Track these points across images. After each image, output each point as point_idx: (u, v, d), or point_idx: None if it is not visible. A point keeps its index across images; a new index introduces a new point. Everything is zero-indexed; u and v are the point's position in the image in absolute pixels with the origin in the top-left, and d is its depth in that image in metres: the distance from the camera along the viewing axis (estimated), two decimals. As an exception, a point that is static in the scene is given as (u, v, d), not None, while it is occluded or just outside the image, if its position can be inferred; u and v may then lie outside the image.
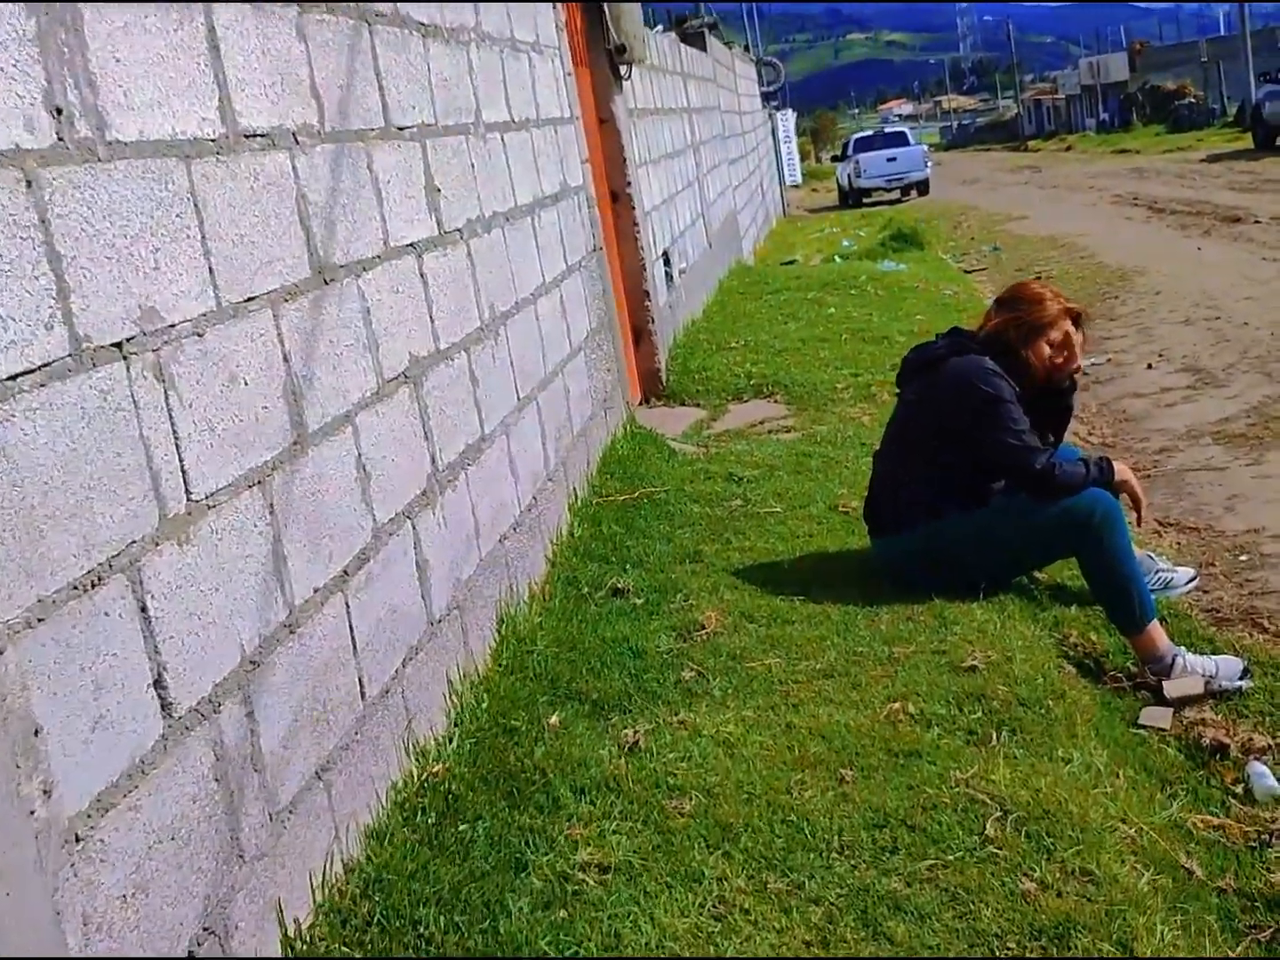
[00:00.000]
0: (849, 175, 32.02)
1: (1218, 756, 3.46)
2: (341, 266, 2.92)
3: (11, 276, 1.79)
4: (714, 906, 2.54)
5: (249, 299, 2.46)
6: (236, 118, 2.51)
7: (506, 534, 3.92)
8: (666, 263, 8.41)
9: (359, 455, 2.87)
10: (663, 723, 3.40)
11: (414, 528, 3.14)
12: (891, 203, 29.66)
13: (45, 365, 1.83)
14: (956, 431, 4.09)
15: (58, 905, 1.71)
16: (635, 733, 3.34)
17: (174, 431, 2.14)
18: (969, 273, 14.19)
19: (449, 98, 3.97)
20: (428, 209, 3.61)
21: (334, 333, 2.82)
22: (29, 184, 1.85)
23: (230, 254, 2.41)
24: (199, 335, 2.26)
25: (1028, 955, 2.36)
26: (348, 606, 2.70)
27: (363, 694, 2.74)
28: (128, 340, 2.05)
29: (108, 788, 1.85)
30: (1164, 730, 3.62)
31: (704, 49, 14.12)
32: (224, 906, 2.11)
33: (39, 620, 1.75)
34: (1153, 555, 4.52)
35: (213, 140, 2.41)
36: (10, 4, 1.85)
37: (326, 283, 2.82)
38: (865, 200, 31.28)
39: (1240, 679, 3.76)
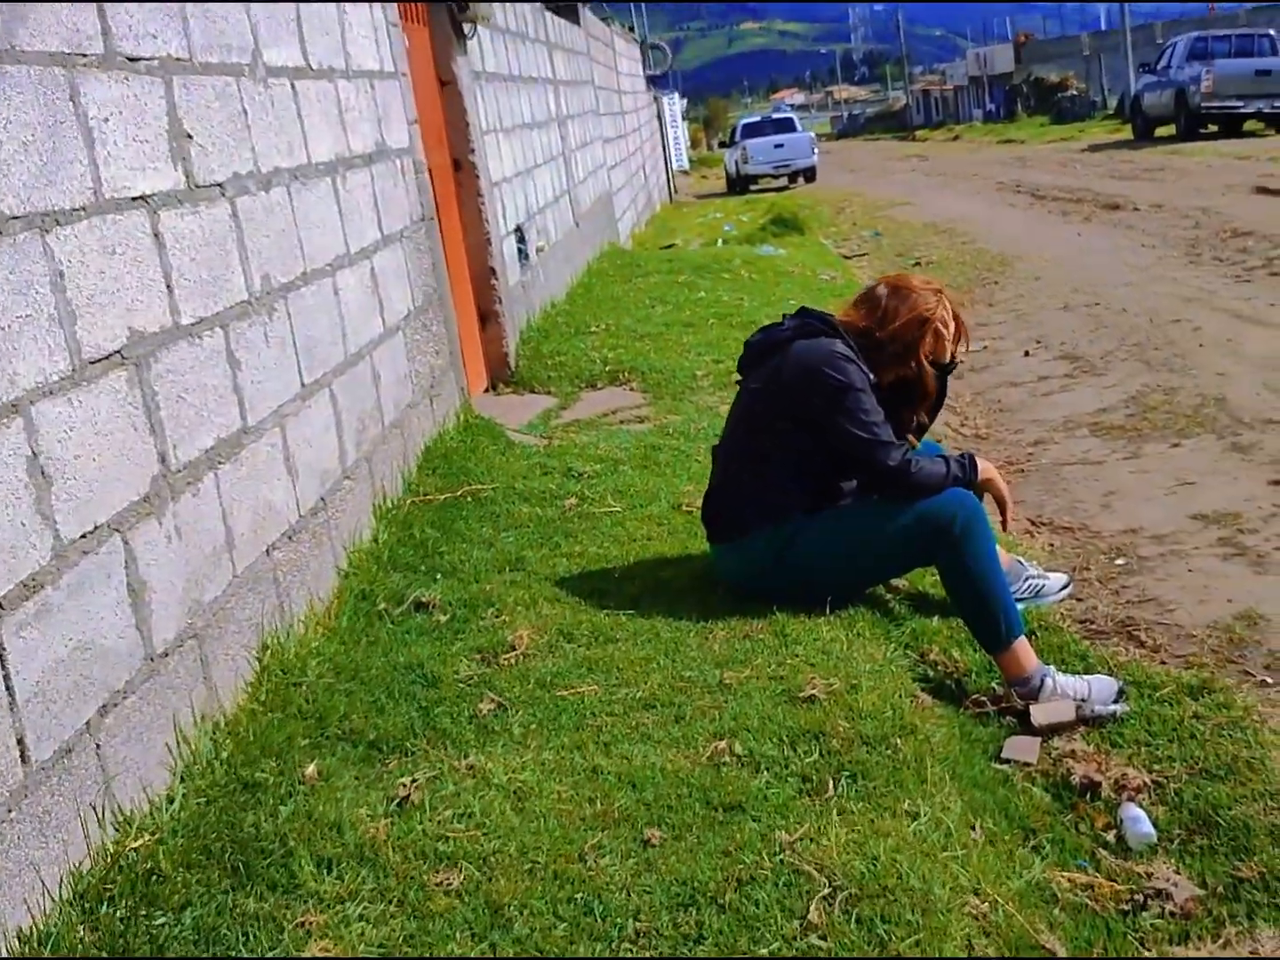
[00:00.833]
0: (736, 161, 31.63)
1: (1088, 796, 3.05)
2: (15, 218, 2.32)
3: None
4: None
5: None
6: None
7: (277, 544, 3.34)
8: (521, 239, 7.83)
9: (33, 456, 2.27)
10: (447, 769, 2.87)
11: (125, 542, 2.55)
12: (779, 190, 29.34)
13: None
14: (803, 423, 3.61)
15: None
16: (411, 783, 2.80)
17: None
18: (849, 258, 13.84)
19: (211, 31, 3.37)
20: (170, 158, 3.01)
21: (-2, 300, 2.23)
22: None
23: None
24: None
25: None
26: (1, 650, 2.11)
27: (24, 758, 2.15)
28: None
29: None
30: (1030, 765, 3.19)
31: (576, 22, 13.53)
32: None
33: None
34: (1022, 560, 4.09)
35: None
36: None
37: (-14, 236, 2.23)
38: (752, 187, 30.94)
39: (1114, 702, 3.39)
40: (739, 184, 31.27)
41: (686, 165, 34.79)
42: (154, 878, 2.33)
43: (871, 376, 3.62)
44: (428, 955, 2.20)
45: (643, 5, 39.51)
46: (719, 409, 6.04)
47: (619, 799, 2.70)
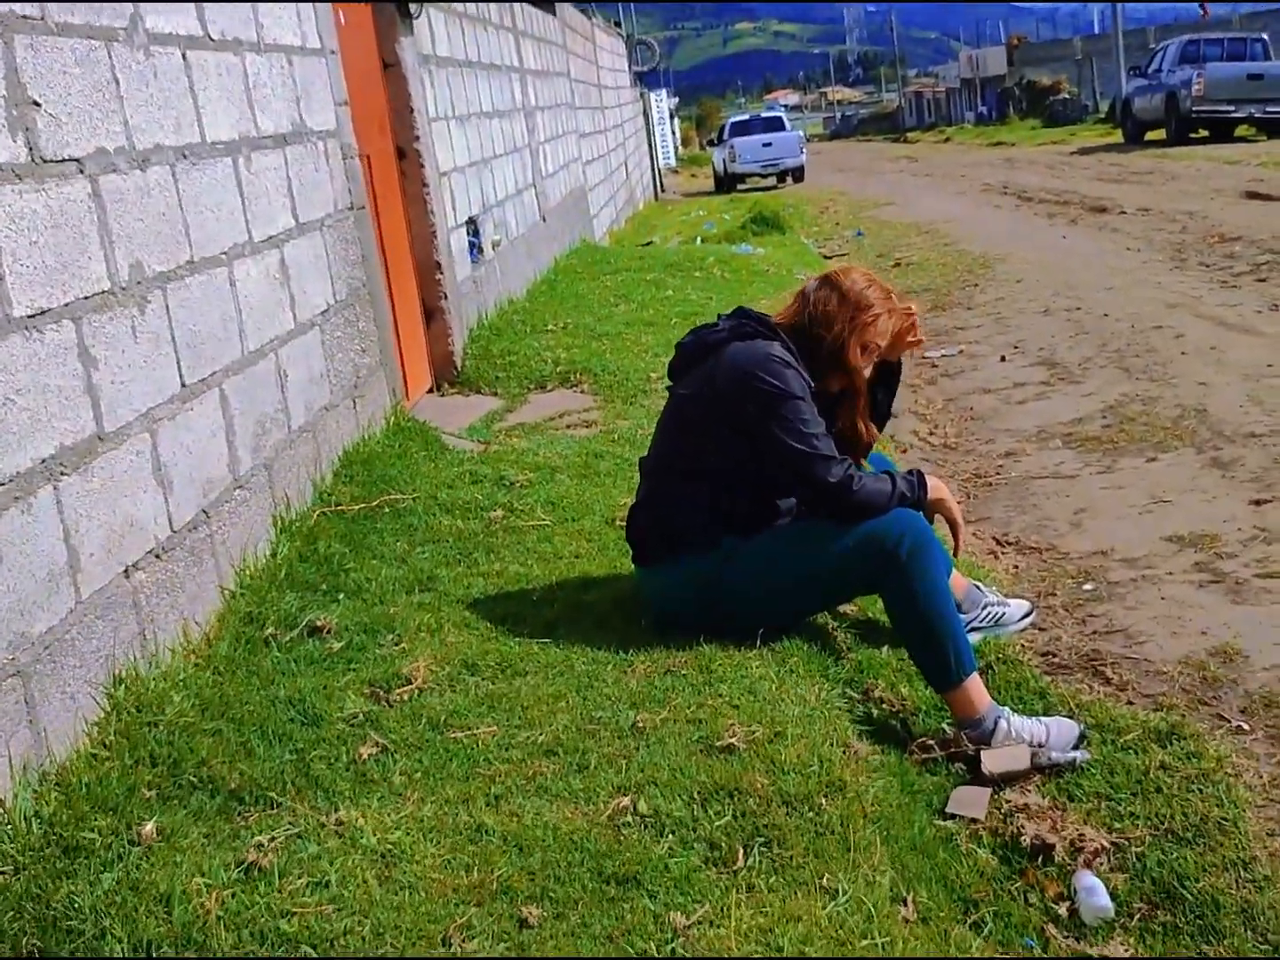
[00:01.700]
0: (724, 160, 31.28)
1: (1040, 860, 2.71)
2: None
3: None
4: None
5: None
6: None
7: (140, 563, 2.98)
8: (475, 233, 7.46)
9: None
10: (313, 825, 2.52)
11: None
12: (767, 189, 28.99)
13: None
14: (736, 434, 3.26)
15: None
16: (269, 842, 2.45)
17: None
18: (829, 258, 13.49)
19: (74, -13, 3.01)
20: (7, 127, 2.65)
21: None
22: None
23: None
24: None
25: None
26: None
27: None
28: None
29: None
30: (977, 821, 2.85)
31: (552, 12, 13.16)
32: None
33: None
34: (980, 586, 3.75)
35: None
36: None
37: None
38: (740, 186, 30.59)
39: (1074, 749, 3.07)
40: (727, 183, 30.95)
41: (674, 163, 34.37)
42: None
43: (813, 384, 3.27)
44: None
45: (631, 4, 39.12)
46: (671, 414, 5.70)
47: (500, 866, 2.36)
